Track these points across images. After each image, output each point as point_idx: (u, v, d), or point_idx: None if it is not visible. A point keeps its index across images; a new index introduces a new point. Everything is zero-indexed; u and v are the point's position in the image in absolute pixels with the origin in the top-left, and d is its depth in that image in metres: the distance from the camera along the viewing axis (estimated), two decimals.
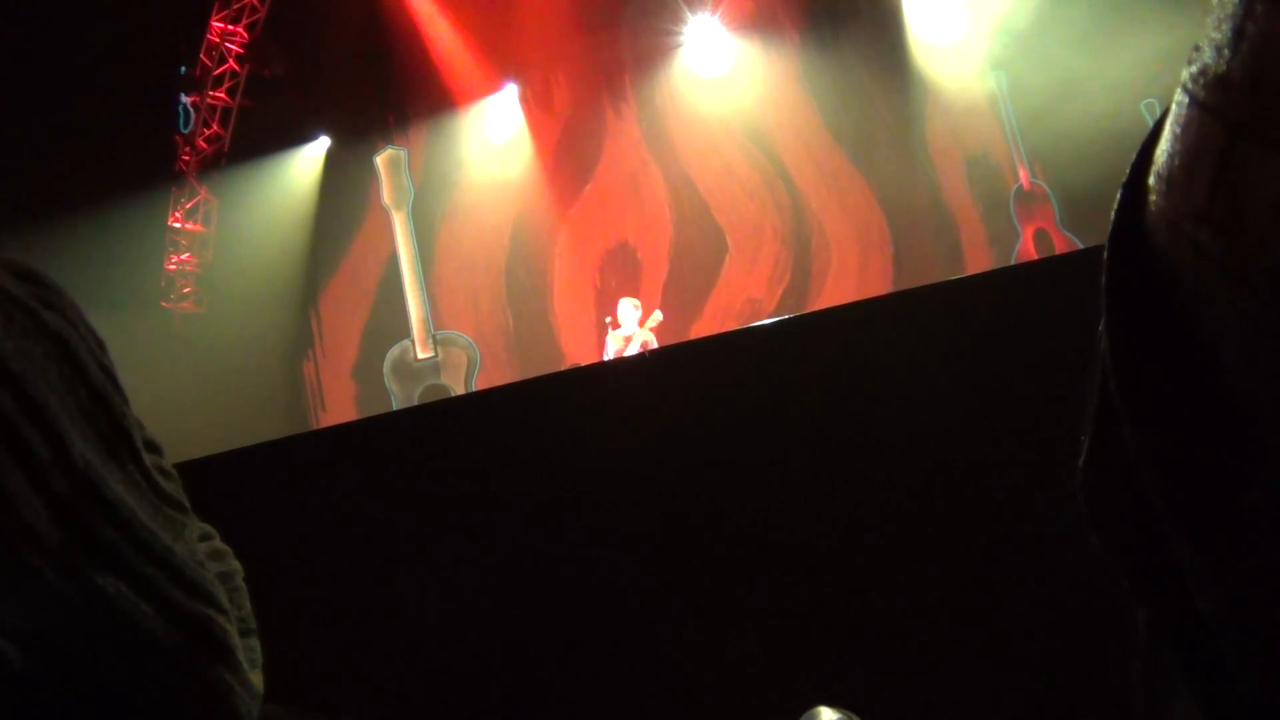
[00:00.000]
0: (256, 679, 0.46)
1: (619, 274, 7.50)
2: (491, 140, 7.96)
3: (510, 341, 7.79)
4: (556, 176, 7.82)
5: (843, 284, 7.26)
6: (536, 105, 7.94)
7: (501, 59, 7.84)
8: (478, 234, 7.92)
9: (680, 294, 7.44)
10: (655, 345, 5.82)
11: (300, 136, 8.23)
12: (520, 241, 7.87)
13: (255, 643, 0.50)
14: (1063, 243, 6.94)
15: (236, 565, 0.52)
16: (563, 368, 7.21)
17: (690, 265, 7.53)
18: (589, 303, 6.11)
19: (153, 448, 0.45)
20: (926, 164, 7.22)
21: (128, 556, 0.37)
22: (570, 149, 7.84)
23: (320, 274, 8.24)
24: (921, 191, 7.20)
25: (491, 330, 7.86)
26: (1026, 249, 7.04)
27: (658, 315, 5.97)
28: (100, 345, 0.42)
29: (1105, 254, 0.27)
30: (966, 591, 1.38)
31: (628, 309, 6.01)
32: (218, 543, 0.52)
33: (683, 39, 7.58)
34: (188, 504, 0.44)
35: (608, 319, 6.08)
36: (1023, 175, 7.08)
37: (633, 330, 5.91)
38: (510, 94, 7.90)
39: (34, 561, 0.33)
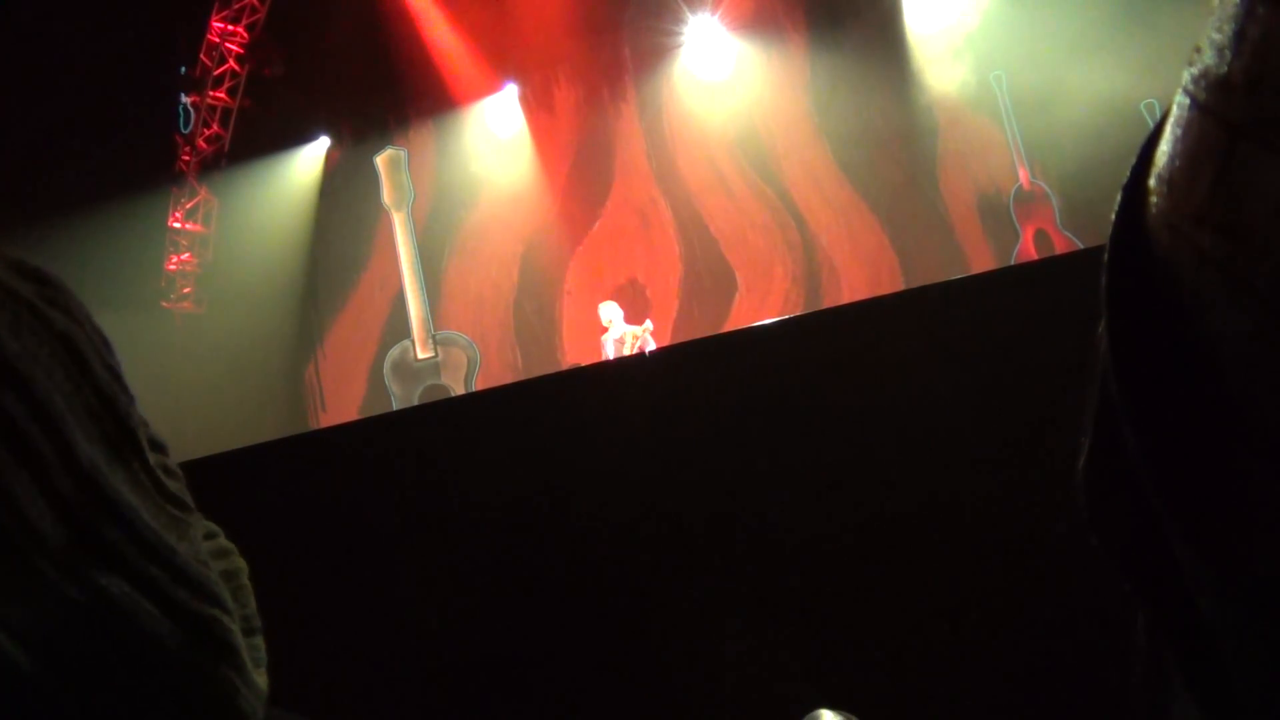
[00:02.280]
0: (261, 678, 0.46)
1: (629, 312, 7.47)
2: (496, 163, 7.90)
3: (518, 380, 7.72)
4: (565, 214, 7.76)
5: None
6: (537, 105, 7.93)
7: (501, 59, 7.84)
8: (485, 273, 7.87)
9: (690, 332, 7.36)
10: (651, 341, 5.83)
11: (300, 136, 8.23)
12: (528, 278, 7.81)
13: (260, 641, 0.50)
14: (1063, 243, 6.94)
15: (241, 563, 0.52)
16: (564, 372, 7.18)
17: (700, 303, 7.48)
18: (599, 342, 6.14)
19: (157, 446, 0.45)
20: (931, 184, 7.17)
21: (131, 557, 0.37)
22: (579, 183, 7.77)
23: (324, 313, 8.16)
24: (929, 213, 7.15)
25: (500, 368, 7.81)
26: (1026, 249, 7.04)
27: (649, 325, 5.96)
28: (106, 344, 0.43)
29: (1105, 256, 0.27)
30: (967, 592, 1.38)
31: (611, 309, 6.02)
32: (222, 540, 0.52)
33: (683, 39, 7.58)
34: (192, 503, 0.45)
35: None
36: (1023, 175, 7.08)
37: (623, 330, 5.92)
38: (510, 94, 7.90)
39: (38, 562, 0.33)
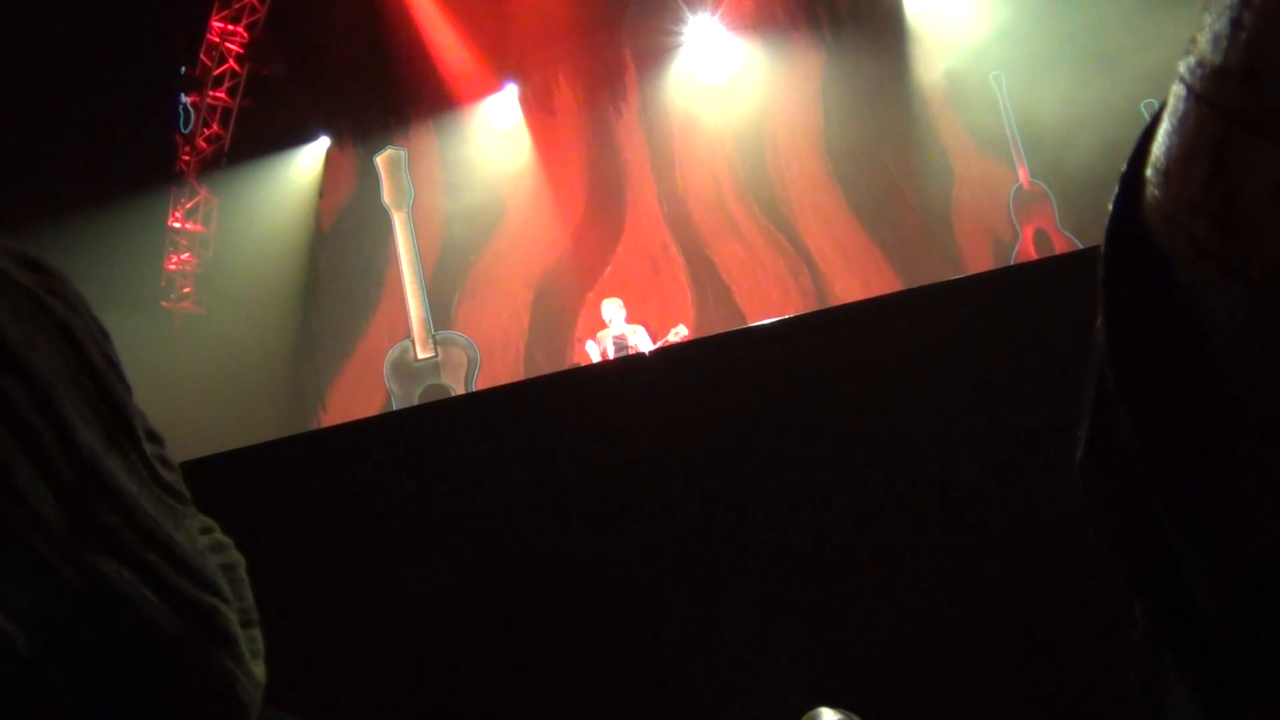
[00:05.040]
0: (259, 669, 0.47)
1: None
2: (502, 201, 7.84)
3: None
4: (576, 259, 7.69)
5: None
6: (537, 106, 7.92)
7: (501, 59, 7.83)
8: (495, 320, 7.83)
9: None
10: (647, 341, 5.83)
11: (300, 136, 8.24)
12: (539, 325, 7.74)
13: (257, 633, 0.50)
14: (1063, 243, 6.94)
15: (238, 556, 0.52)
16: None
17: None
18: (596, 339, 6.15)
19: (154, 437, 0.45)
20: (946, 231, 7.13)
21: (131, 543, 0.37)
22: (590, 228, 7.70)
23: (330, 360, 8.07)
24: (943, 260, 7.09)
25: None
26: (1026, 249, 7.04)
27: (682, 330, 5.95)
28: (104, 334, 0.43)
29: (1103, 247, 0.27)
30: (966, 590, 1.38)
31: (613, 308, 6.01)
32: (218, 534, 0.52)
33: (683, 39, 7.57)
34: (188, 494, 0.45)
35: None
36: (1023, 175, 7.08)
37: (621, 329, 5.91)
38: (510, 94, 7.90)
39: (40, 546, 0.34)
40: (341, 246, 8.19)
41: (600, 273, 7.67)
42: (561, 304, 7.73)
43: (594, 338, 6.05)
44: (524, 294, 7.80)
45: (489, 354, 7.82)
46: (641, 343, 5.81)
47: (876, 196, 7.27)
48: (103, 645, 0.35)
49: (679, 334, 5.85)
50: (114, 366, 0.41)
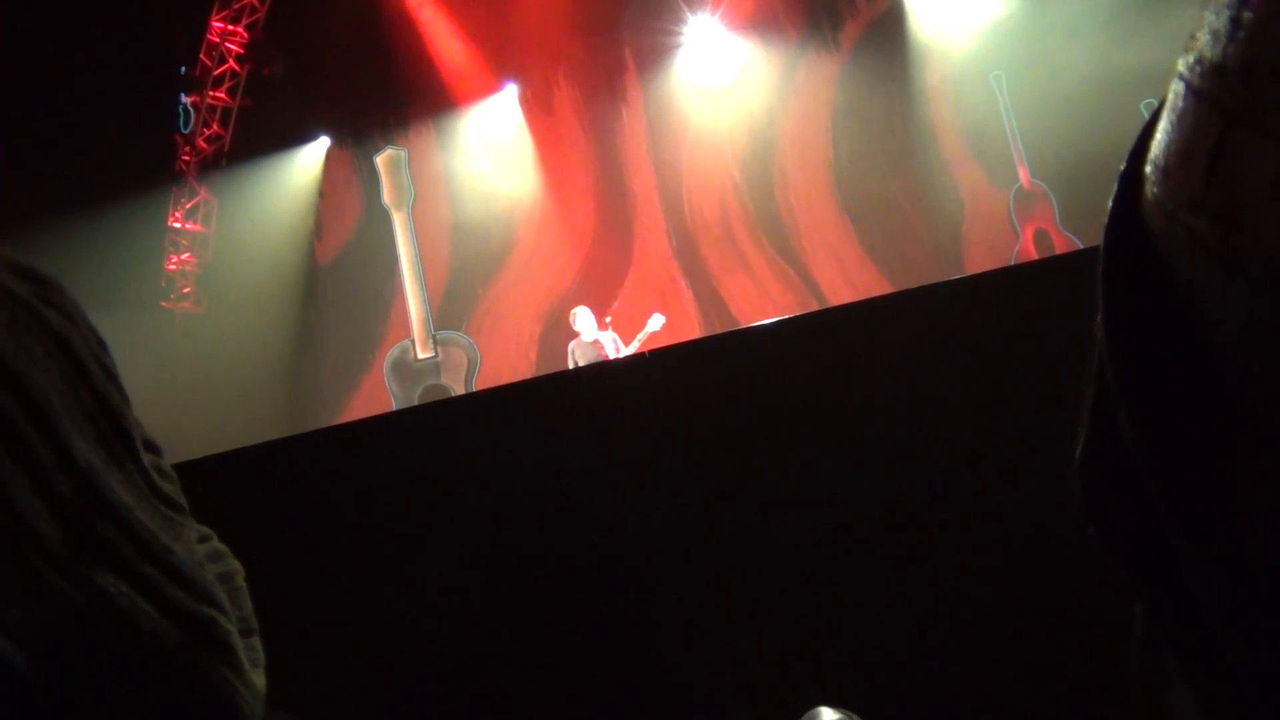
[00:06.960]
0: (259, 679, 0.46)
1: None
2: (509, 230, 7.85)
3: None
4: (583, 291, 7.64)
5: None
6: (537, 106, 7.91)
7: (501, 59, 7.84)
8: (502, 354, 7.80)
9: None
10: (623, 345, 5.85)
11: (300, 136, 8.24)
12: (547, 360, 7.69)
13: (257, 642, 0.50)
14: (1063, 243, 6.95)
15: (236, 565, 0.52)
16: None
17: None
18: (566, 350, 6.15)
19: (151, 448, 0.45)
20: (956, 264, 7.14)
21: (128, 556, 0.37)
22: (597, 260, 7.68)
23: (337, 393, 8.08)
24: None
25: None
26: (1026, 249, 7.04)
27: (659, 318, 5.96)
28: (101, 344, 0.42)
29: (1102, 243, 0.27)
30: (966, 590, 1.38)
31: (586, 316, 6.03)
32: (216, 543, 0.52)
33: (683, 40, 7.57)
34: (185, 505, 0.44)
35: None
36: (1023, 175, 7.08)
37: (595, 335, 5.94)
38: (510, 94, 7.90)
39: (35, 562, 0.33)
40: (345, 269, 8.18)
41: (609, 305, 7.64)
42: (570, 337, 7.72)
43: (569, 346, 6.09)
44: (532, 328, 7.79)
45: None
46: (611, 350, 5.84)
47: (885, 228, 7.28)
48: (101, 660, 0.35)
49: (658, 322, 5.88)
50: (112, 377, 0.41)
